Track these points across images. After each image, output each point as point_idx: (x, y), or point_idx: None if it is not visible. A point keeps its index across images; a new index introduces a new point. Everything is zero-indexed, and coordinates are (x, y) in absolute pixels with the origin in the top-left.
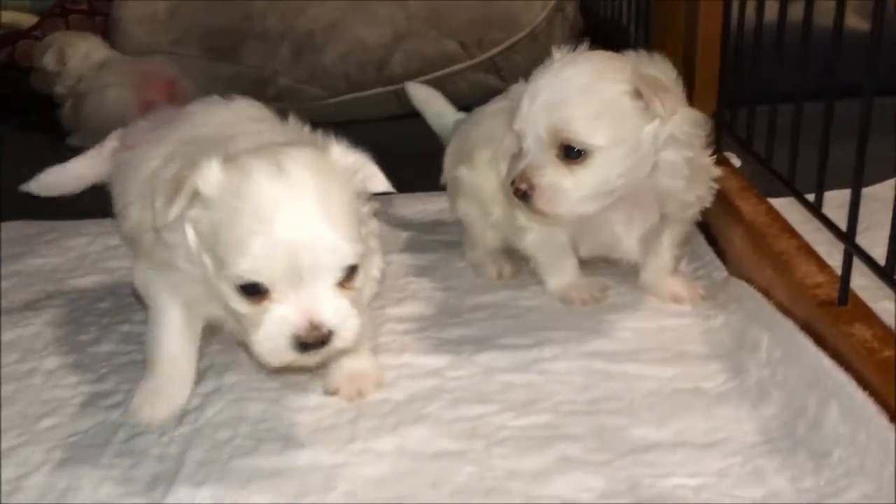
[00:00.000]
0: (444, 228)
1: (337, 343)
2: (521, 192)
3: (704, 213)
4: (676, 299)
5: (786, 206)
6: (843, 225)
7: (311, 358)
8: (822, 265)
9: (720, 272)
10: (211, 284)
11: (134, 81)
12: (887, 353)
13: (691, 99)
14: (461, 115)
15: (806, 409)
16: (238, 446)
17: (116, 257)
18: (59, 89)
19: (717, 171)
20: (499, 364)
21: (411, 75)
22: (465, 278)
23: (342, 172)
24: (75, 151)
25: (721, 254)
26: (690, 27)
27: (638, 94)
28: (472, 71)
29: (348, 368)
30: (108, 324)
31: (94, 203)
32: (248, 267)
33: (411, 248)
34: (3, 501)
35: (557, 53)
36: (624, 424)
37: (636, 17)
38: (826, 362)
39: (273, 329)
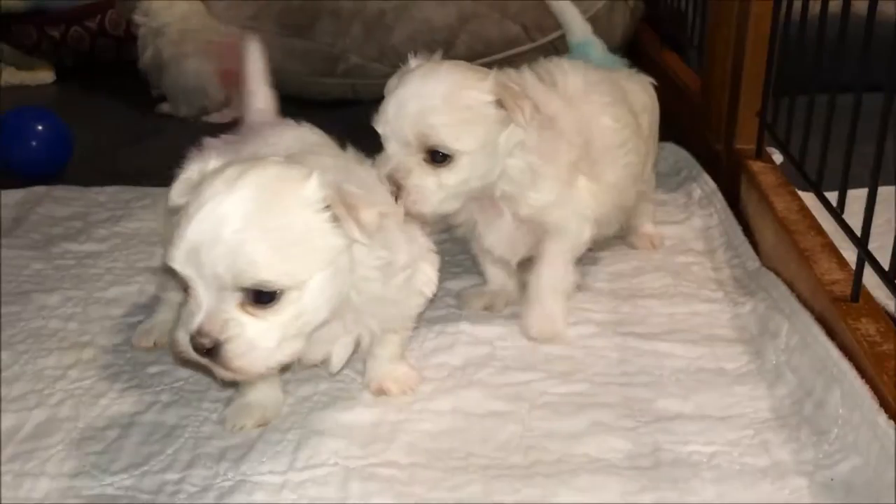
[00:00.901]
0: None
1: (225, 360)
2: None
3: (743, 205)
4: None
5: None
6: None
7: (212, 367)
8: (842, 263)
9: (753, 262)
10: None
11: (213, 52)
12: (886, 346)
13: (737, 98)
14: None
15: (813, 392)
16: (317, 402)
17: None
18: (139, 18)
19: (583, 187)
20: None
21: (475, 56)
22: None
23: (305, 202)
24: (167, 118)
25: (755, 245)
26: (741, 27)
27: (500, 104)
28: (532, 53)
29: (379, 372)
30: None
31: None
32: (169, 255)
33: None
34: (120, 435)
35: (413, 62)
36: (651, 397)
37: (695, 6)
38: (834, 352)
39: (183, 318)
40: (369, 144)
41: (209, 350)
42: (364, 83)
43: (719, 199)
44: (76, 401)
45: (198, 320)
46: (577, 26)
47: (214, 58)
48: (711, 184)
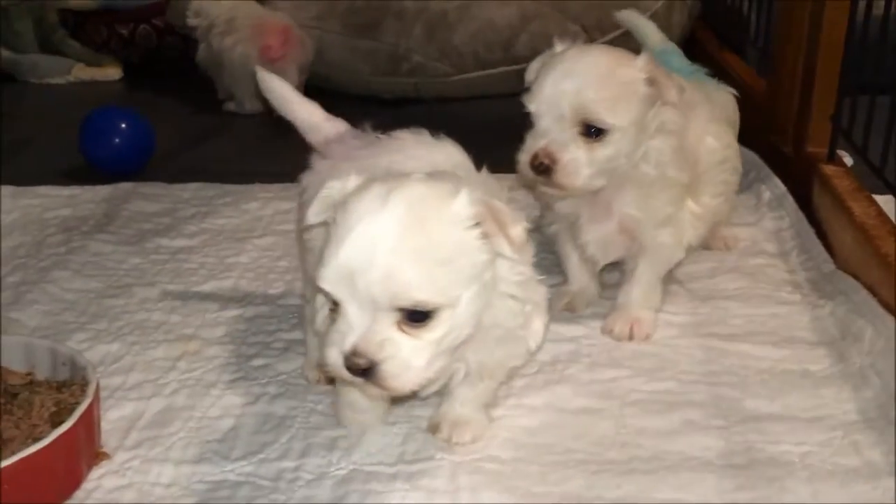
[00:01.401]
0: None
1: (381, 380)
2: (544, 167)
3: (815, 208)
4: (611, 333)
5: None
6: None
7: (363, 385)
8: None
9: (828, 265)
10: None
11: (252, 33)
12: None
13: (809, 105)
14: (665, 48)
15: None
16: (415, 401)
17: (287, 221)
18: (192, 20)
19: (687, 210)
20: None
21: (535, 55)
22: None
23: (455, 219)
24: (232, 115)
25: (829, 248)
26: (813, 34)
27: (651, 82)
28: None
29: (453, 413)
30: (291, 280)
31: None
32: (321, 276)
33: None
34: (235, 425)
35: (559, 46)
36: (738, 396)
37: (758, 7)
38: None
39: (333, 337)
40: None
41: (364, 370)
42: (426, 81)
43: (790, 202)
44: (190, 391)
45: (352, 340)
46: (652, 35)
47: (256, 39)
48: (781, 186)
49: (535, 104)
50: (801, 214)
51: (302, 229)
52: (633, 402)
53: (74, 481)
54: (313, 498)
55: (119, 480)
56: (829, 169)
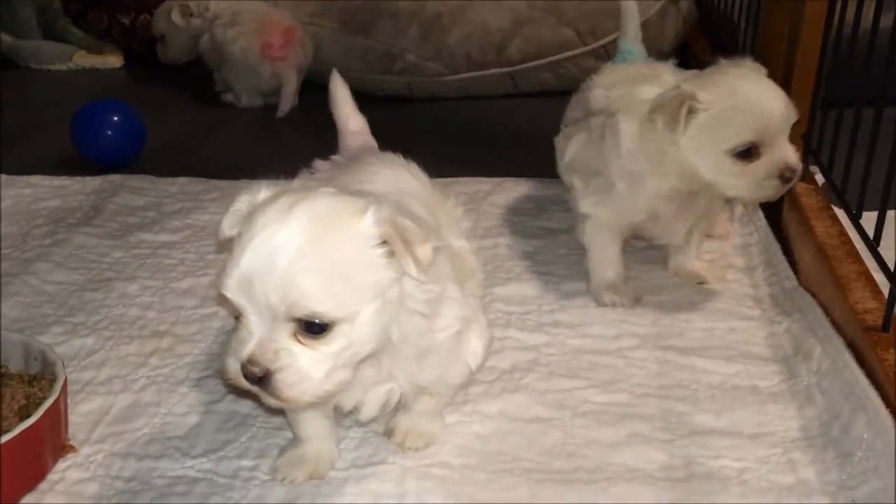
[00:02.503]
0: (547, 215)
1: (275, 389)
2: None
3: (784, 225)
4: (701, 280)
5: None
6: None
7: (260, 394)
8: (876, 293)
9: (791, 281)
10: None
11: (255, 29)
12: None
13: None
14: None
15: (841, 415)
16: None
17: None
18: (195, 20)
19: None
20: (587, 347)
21: (528, 59)
22: (563, 266)
23: (359, 236)
24: (231, 110)
25: (793, 265)
26: (790, 52)
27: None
28: (584, 57)
29: (407, 421)
30: None
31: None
32: (222, 283)
33: (519, 232)
34: (198, 422)
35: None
36: (687, 410)
37: (747, 14)
38: (862, 379)
39: (232, 346)
40: (422, 139)
41: (260, 379)
42: (419, 81)
43: (760, 218)
44: (158, 387)
45: (249, 349)
46: (633, 30)
47: (259, 35)
48: None
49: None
50: (769, 231)
51: (218, 243)
52: (584, 413)
53: (39, 473)
54: (266, 497)
55: (83, 473)
56: (799, 186)
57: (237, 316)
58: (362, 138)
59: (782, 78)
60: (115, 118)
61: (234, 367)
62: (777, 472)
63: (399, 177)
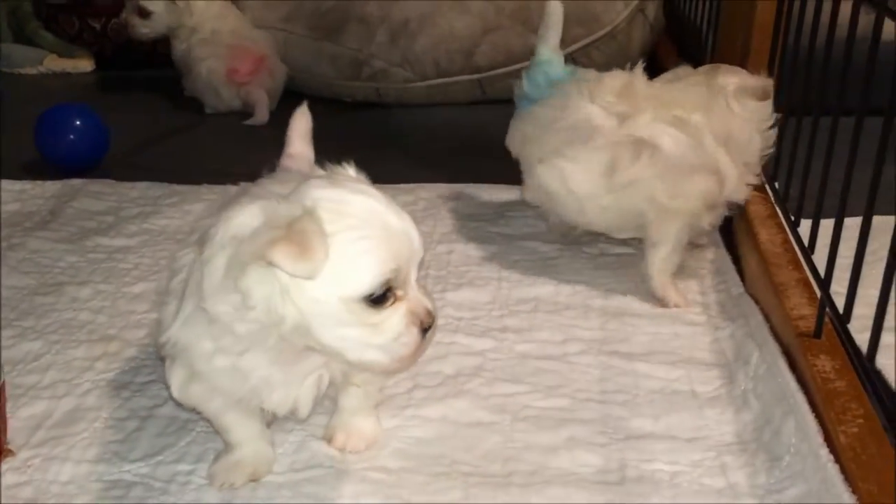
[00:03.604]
0: (505, 221)
1: (431, 336)
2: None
3: (736, 233)
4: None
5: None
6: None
7: (427, 343)
8: (812, 299)
9: (738, 288)
10: (300, 331)
11: (226, 52)
12: (838, 384)
13: None
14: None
15: (772, 420)
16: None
17: None
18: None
19: None
20: (533, 352)
21: (495, 66)
22: (517, 271)
23: None
24: (199, 114)
25: (741, 272)
26: (742, 63)
27: None
28: None
29: (345, 423)
30: None
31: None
32: (386, 272)
33: (475, 238)
34: (139, 426)
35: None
36: (626, 415)
37: (709, 22)
38: (792, 384)
39: (405, 322)
40: (390, 145)
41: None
42: (388, 87)
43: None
44: (101, 392)
45: (429, 303)
46: (555, 37)
47: (228, 59)
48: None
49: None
50: (719, 237)
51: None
52: (525, 418)
53: None
54: (201, 500)
55: (19, 477)
56: (750, 194)
57: (379, 298)
58: (299, 164)
59: None
60: (78, 122)
61: (415, 336)
62: (709, 475)
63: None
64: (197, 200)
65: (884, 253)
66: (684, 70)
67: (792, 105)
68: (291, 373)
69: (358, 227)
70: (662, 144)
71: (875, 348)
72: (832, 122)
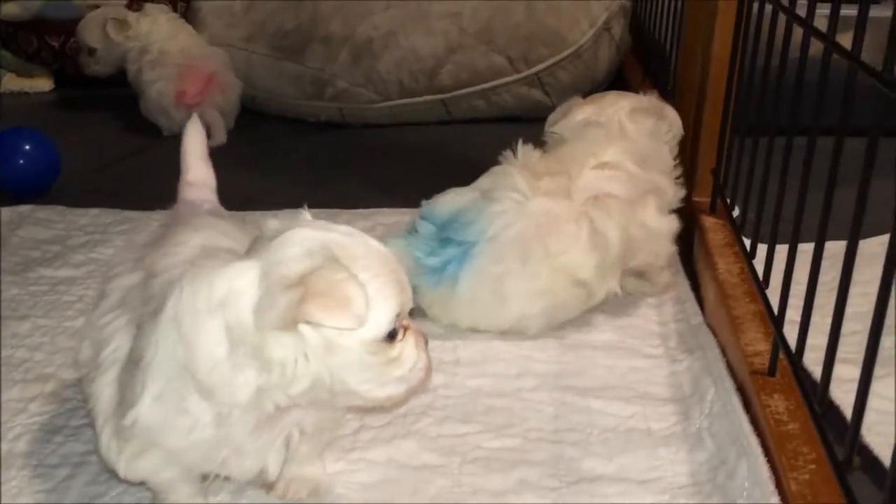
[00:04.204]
0: None
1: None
2: None
3: (696, 260)
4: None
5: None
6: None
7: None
8: (768, 334)
9: (697, 318)
10: (317, 386)
11: (175, 73)
12: (791, 426)
13: (696, 150)
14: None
15: (727, 461)
16: None
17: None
18: (129, 42)
19: None
20: (485, 388)
21: (460, 86)
22: None
23: None
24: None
25: (701, 301)
26: (702, 86)
27: None
28: (517, 85)
29: (289, 472)
30: None
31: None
32: (396, 307)
33: None
34: (70, 474)
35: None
36: (578, 455)
37: (675, 43)
38: (746, 425)
39: (417, 350)
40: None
41: None
42: (351, 107)
43: (676, 261)
44: (33, 436)
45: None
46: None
47: (177, 81)
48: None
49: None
50: (680, 266)
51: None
52: (475, 460)
53: None
54: None
55: None
56: (708, 221)
57: (393, 332)
58: (201, 193)
59: (695, 111)
60: (27, 147)
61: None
62: None
63: (212, 239)
64: (148, 227)
65: (857, 278)
66: (566, 105)
67: (747, 127)
68: (266, 437)
69: (368, 267)
70: (614, 189)
71: (825, 392)
72: (786, 143)
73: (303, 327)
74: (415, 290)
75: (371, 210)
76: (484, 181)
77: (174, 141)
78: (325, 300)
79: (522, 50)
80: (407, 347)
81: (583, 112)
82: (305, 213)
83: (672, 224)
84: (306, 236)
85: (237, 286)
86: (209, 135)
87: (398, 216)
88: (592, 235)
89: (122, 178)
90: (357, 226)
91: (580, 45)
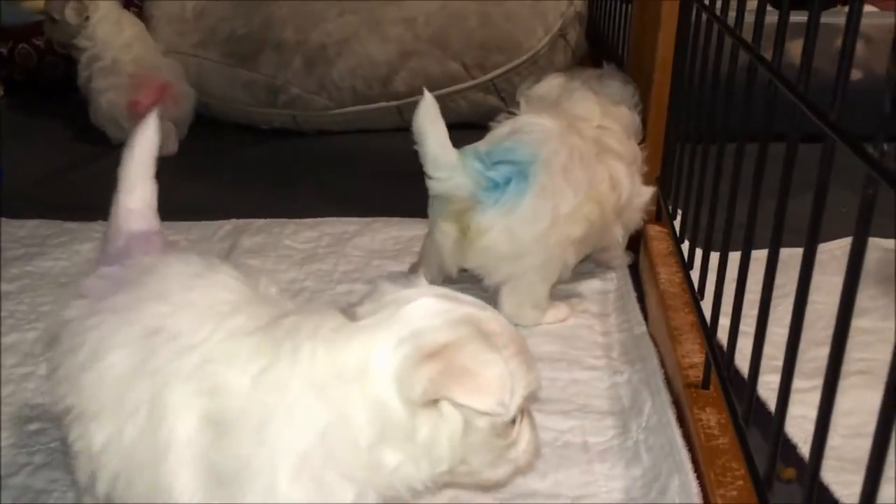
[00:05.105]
0: (411, 258)
1: None
2: None
3: (641, 269)
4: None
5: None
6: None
7: None
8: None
9: (640, 327)
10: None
11: (127, 83)
12: (721, 440)
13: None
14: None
15: (660, 476)
16: None
17: None
18: (83, 42)
19: None
20: None
21: (414, 92)
22: None
23: None
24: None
25: (645, 311)
26: (646, 93)
27: None
28: (472, 91)
29: None
30: None
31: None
32: (526, 389)
33: (377, 277)
34: None
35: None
36: None
37: (626, 50)
38: (678, 440)
39: (532, 432)
40: (304, 175)
41: None
42: (305, 114)
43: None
44: None
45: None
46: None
47: (128, 91)
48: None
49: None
50: (627, 275)
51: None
52: None
53: None
54: None
55: None
56: (652, 229)
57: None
58: (145, 222)
59: (643, 119)
60: None
61: None
62: None
63: (217, 287)
64: (88, 239)
65: (792, 287)
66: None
67: (685, 134)
68: None
69: (506, 345)
70: (616, 147)
71: (749, 409)
72: (717, 151)
73: (444, 405)
74: (471, 211)
75: (317, 220)
76: (502, 128)
77: (123, 150)
78: (469, 380)
79: (478, 56)
80: (524, 430)
81: (558, 77)
82: (422, 279)
83: (648, 194)
84: (447, 307)
85: (377, 355)
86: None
87: (344, 226)
88: (610, 176)
89: (67, 189)
90: (302, 236)
91: (536, 52)
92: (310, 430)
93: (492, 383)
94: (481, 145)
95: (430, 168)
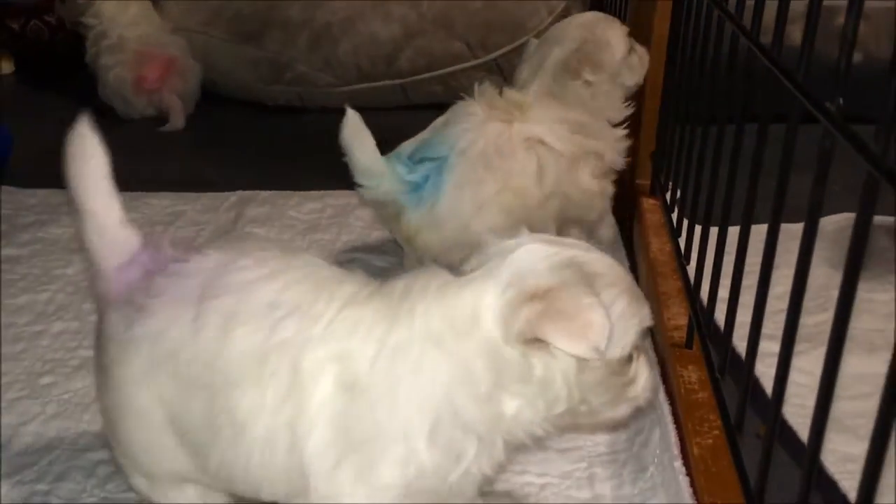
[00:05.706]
0: None
1: None
2: None
3: (635, 241)
4: None
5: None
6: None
7: None
8: None
9: None
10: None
11: (133, 59)
12: (701, 394)
13: (638, 133)
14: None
15: (643, 430)
16: None
17: None
18: (90, 20)
19: None
20: None
21: (418, 71)
22: None
23: None
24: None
25: (637, 279)
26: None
27: None
28: (475, 70)
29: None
30: None
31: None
32: (640, 325)
33: (377, 248)
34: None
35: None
36: None
37: None
38: (661, 395)
39: (649, 370)
40: (309, 150)
41: None
42: (310, 91)
43: (618, 239)
44: None
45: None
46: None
47: (135, 67)
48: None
49: None
50: (622, 251)
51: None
52: None
53: None
54: None
55: None
56: (647, 203)
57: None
58: (103, 233)
59: (637, 95)
60: None
61: None
62: (576, 487)
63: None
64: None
65: (781, 259)
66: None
67: (679, 114)
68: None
69: (613, 283)
70: (553, 142)
71: (725, 361)
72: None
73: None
74: (401, 215)
75: (321, 192)
76: (440, 118)
77: (131, 125)
78: (565, 324)
79: (481, 36)
80: (641, 367)
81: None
82: (524, 229)
83: (605, 186)
84: (551, 252)
85: (486, 302)
86: (168, 119)
87: (348, 198)
88: (538, 169)
89: None
90: (306, 208)
91: (539, 32)
92: (436, 389)
93: (587, 328)
94: (408, 145)
95: (358, 178)
